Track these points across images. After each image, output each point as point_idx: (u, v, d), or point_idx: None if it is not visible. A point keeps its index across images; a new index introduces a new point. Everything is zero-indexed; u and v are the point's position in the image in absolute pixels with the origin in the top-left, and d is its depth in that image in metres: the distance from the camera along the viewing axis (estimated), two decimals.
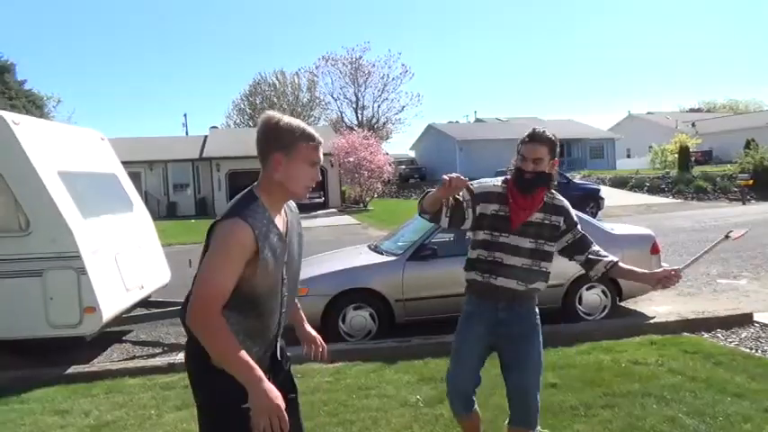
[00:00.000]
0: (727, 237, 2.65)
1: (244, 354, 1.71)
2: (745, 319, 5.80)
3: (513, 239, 2.69)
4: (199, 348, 1.80)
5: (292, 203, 2.11)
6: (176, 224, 19.81)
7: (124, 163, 7.31)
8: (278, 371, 2.08)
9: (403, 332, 5.74)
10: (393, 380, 4.52)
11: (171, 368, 4.98)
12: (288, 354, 2.17)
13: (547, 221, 2.73)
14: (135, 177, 7.49)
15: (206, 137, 32.58)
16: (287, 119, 1.92)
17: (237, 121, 51.08)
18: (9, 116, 5.30)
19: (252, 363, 1.71)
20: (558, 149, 2.73)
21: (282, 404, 1.68)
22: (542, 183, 2.70)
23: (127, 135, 28.84)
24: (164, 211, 26.68)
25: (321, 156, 1.97)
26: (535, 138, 2.69)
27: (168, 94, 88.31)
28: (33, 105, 28.21)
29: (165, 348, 6.29)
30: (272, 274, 1.90)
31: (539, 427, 2.81)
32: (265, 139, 1.91)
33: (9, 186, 5.17)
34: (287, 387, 2.05)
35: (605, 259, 2.74)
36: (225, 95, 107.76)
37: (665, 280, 2.54)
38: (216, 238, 1.81)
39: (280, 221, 1.96)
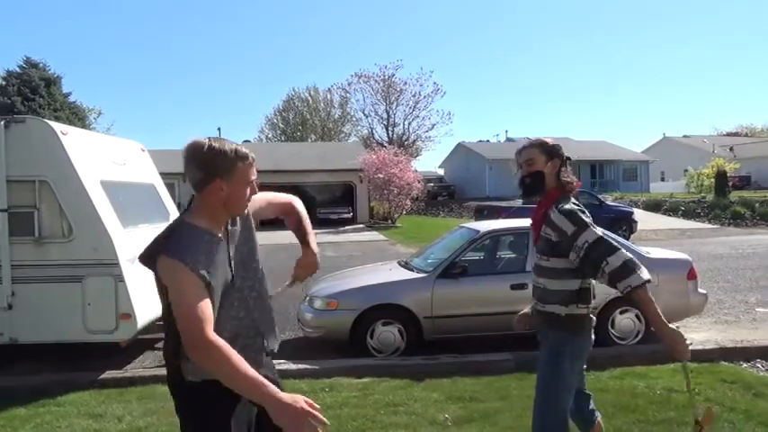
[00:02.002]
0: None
1: (251, 372, 1.66)
2: None
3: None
4: (181, 380, 1.95)
5: None
6: None
7: (159, 174, 7.49)
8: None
9: (431, 349, 5.70)
10: (421, 397, 4.49)
11: None
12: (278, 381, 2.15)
13: (545, 234, 2.59)
14: (169, 188, 7.64)
15: None
16: (217, 142, 1.86)
17: (270, 135, 51.95)
18: (57, 126, 5.50)
19: (260, 379, 1.65)
20: (559, 151, 2.62)
21: (302, 402, 1.62)
22: (538, 183, 2.60)
23: (162, 147, 29.36)
24: None
25: (255, 172, 1.94)
26: (524, 147, 2.70)
27: (203, 109, 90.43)
28: (76, 117, 29.17)
29: None
30: (222, 285, 1.88)
31: None
32: (199, 166, 1.85)
33: (55, 194, 5.35)
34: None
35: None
36: (258, 111, 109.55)
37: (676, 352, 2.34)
38: (166, 279, 1.79)
39: (221, 232, 1.93)
